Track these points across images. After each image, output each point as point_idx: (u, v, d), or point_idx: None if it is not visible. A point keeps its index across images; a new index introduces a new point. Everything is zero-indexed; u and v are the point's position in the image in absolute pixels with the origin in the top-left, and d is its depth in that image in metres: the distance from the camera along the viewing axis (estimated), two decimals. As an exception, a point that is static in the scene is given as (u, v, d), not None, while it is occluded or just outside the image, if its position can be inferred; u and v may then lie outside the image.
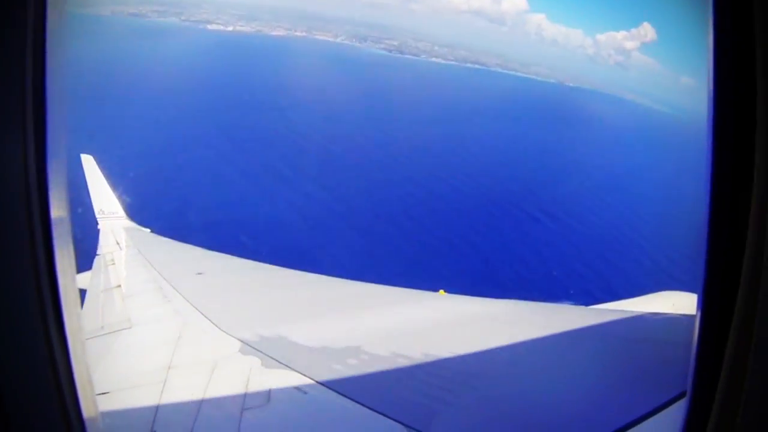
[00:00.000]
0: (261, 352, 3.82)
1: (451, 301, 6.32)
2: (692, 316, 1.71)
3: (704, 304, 1.64)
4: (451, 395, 3.34)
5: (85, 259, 7.71)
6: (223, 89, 65.04)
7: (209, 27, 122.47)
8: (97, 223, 10.03)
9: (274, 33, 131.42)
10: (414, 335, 4.39)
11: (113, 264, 7.39)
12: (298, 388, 3.29)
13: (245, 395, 3.23)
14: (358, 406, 3.09)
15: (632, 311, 6.27)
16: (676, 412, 2.27)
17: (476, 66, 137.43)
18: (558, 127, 72.75)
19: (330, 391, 3.28)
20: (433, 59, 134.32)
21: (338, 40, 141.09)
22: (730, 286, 1.52)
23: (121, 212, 10.91)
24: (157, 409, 3.13)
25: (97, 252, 8.13)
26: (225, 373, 3.55)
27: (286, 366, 3.58)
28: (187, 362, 3.79)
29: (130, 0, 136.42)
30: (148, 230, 10.41)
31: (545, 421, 3.06)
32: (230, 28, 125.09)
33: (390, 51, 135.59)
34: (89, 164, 11.99)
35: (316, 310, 5.47)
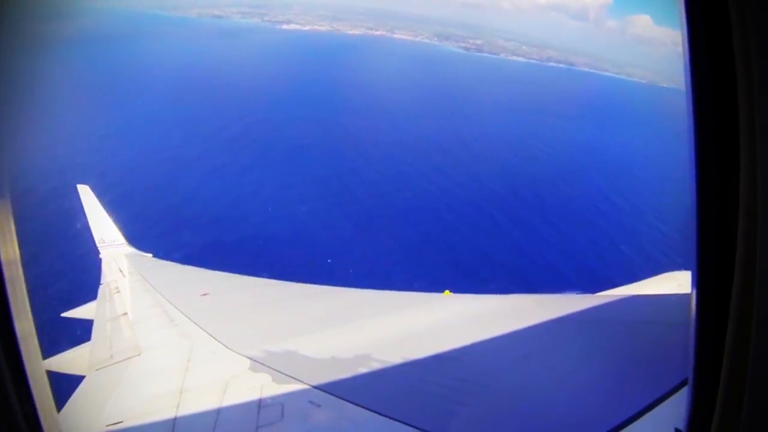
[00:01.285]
0: (271, 368, 3.77)
1: (457, 300, 6.07)
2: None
3: (699, 288, 1.65)
4: (467, 395, 3.27)
5: (89, 290, 7.78)
6: (273, 89, 66.89)
7: (285, 27, 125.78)
8: (98, 253, 10.14)
9: (352, 32, 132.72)
10: (424, 338, 4.30)
11: (118, 292, 7.38)
12: (311, 402, 3.26)
13: (259, 413, 3.20)
14: (374, 414, 3.06)
15: (639, 294, 6.27)
16: (684, 397, 2.15)
17: (560, 65, 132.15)
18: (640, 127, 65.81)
19: (344, 401, 3.22)
20: (513, 58, 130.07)
21: (417, 39, 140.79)
22: (724, 266, 1.54)
23: (122, 239, 11.01)
24: None
25: (101, 281, 8.13)
26: (237, 392, 3.53)
27: (298, 380, 3.54)
28: (199, 384, 3.74)
29: (219, 2, 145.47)
30: (150, 255, 10.43)
31: (553, 414, 3.02)
32: (307, 28, 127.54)
33: (468, 50, 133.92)
34: (86, 194, 12.20)
35: (322, 321, 5.36)
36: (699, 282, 1.63)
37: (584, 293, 7.30)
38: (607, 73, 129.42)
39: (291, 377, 3.60)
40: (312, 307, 6.09)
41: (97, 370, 4.53)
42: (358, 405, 3.16)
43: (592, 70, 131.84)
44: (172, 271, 9.18)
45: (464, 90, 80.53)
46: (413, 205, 37.72)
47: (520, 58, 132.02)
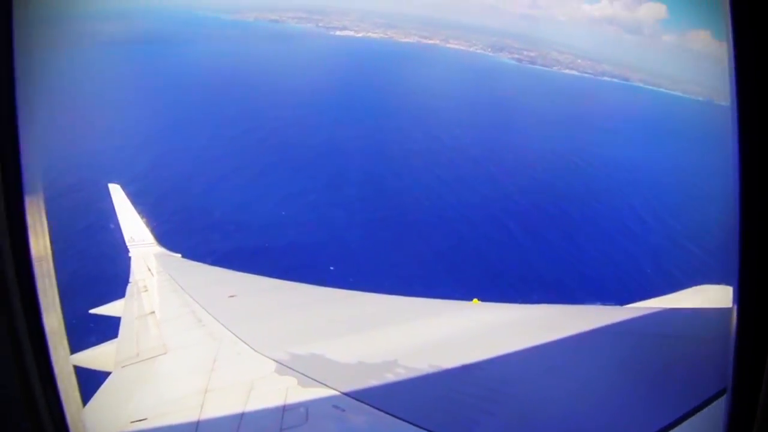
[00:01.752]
0: (297, 371, 3.79)
1: (486, 309, 6.02)
2: (729, 309, 1.69)
3: (741, 296, 1.62)
4: (494, 404, 3.23)
5: (118, 287, 7.89)
6: (311, 94, 68.27)
7: (339, 33, 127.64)
8: (128, 251, 10.31)
9: (405, 40, 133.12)
10: (452, 346, 4.26)
11: (146, 290, 7.49)
12: (335, 406, 3.25)
13: (283, 415, 3.22)
14: (398, 420, 3.05)
15: (668, 308, 6.13)
16: (718, 409, 2.20)
17: (615, 80, 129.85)
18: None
19: (368, 407, 3.21)
20: (567, 71, 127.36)
21: (471, 49, 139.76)
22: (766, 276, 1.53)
23: (151, 239, 11.18)
24: None
25: (130, 279, 8.27)
26: (262, 393, 3.54)
27: (323, 384, 3.54)
28: (224, 385, 3.77)
29: (277, 7, 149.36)
30: (179, 255, 10.54)
31: (583, 426, 3.00)
32: (360, 34, 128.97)
33: (520, 61, 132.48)
34: (117, 193, 12.45)
35: (349, 325, 5.37)
36: (740, 293, 1.58)
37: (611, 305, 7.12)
38: (662, 89, 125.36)
39: (316, 381, 3.61)
40: (339, 311, 6.08)
41: (123, 367, 4.58)
42: (383, 411, 3.15)
43: (647, 86, 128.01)
44: (200, 272, 9.24)
45: (512, 103, 79.79)
46: (439, 216, 37.95)
47: (574, 72, 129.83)
